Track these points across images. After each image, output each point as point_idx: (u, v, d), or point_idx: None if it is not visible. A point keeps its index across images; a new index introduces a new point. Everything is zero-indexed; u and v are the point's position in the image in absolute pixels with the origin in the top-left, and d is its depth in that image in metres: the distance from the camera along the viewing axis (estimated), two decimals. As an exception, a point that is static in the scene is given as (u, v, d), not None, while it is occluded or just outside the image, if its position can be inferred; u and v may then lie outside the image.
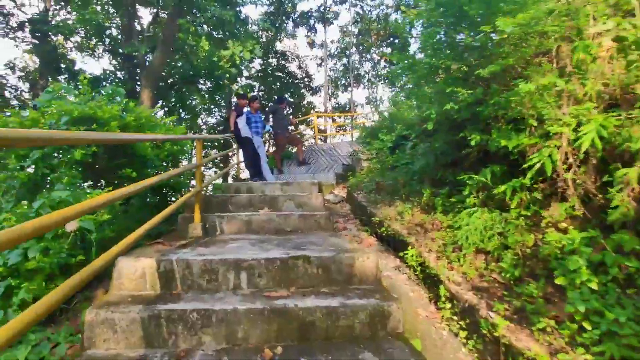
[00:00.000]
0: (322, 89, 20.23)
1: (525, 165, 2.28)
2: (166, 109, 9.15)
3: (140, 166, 3.91)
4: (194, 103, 16.58)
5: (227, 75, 8.93)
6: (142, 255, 2.69)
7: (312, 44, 20.66)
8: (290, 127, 8.48)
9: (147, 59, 8.25)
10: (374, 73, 23.91)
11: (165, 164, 4.54)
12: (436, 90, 3.13)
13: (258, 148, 6.95)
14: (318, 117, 12.34)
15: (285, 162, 8.55)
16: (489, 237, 2.37)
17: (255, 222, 4.06)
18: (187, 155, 5.44)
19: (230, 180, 9.71)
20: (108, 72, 10.23)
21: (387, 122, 5.42)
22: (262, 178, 6.68)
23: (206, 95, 10.33)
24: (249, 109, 7.25)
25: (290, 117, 8.73)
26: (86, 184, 4.04)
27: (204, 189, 4.35)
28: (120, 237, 2.14)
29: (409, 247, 2.94)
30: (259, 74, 20.93)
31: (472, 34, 2.75)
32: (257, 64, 22.19)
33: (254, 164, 6.64)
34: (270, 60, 21.29)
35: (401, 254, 3.14)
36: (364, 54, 21.26)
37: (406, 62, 3.29)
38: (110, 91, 4.54)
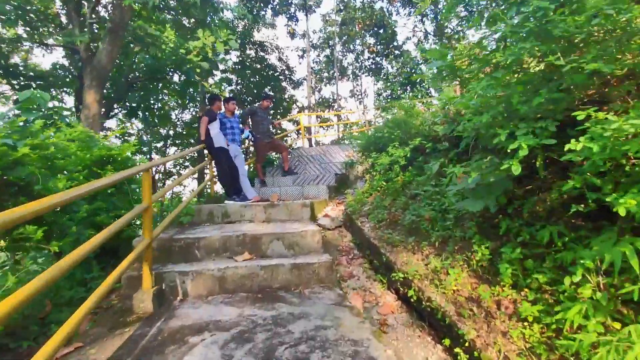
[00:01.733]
0: (305, 82, 19.00)
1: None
2: (123, 111, 7.78)
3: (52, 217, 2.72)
4: (165, 99, 15.08)
5: (198, 71, 7.67)
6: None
7: (293, 34, 19.32)
8: (273, 130, 7.33)
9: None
10: (357, 65, 22.87)
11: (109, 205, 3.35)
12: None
13: (235, 159, 5.80)
14: (305, 116, 11.21)
15: (268, 170, 7.42)
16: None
17: (231, 279, 2.97)
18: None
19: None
20: (58, 66, 8.73)
21: (391, 130, 4.38)
22: (242, 197, 5.54)
23: (175, 94, 9.00)
24: (223, 111, 6.07)
25: (273, 120, 7.53)
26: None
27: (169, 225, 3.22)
28: None
29: (466, 340, 1.93)
30: (236, 67, 19.49)
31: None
32: (233, 55, 20.73)
33: (231, 179, 5.49)
34: (248, 52, 19.87)
35: (447, 341, 2.14)
36: (347, 44, 20.11)
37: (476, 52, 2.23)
38: (29, 96, 3.30)
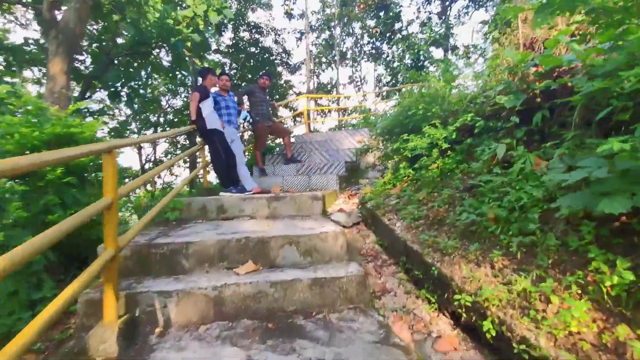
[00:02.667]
0: (304, 66, 18.02)
1: None
2: (103, 91, 6.84)
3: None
4: (154, 83, 14.02)
5: (188, 44, 6.77)
6: None
7: (290, 15, 18.24)
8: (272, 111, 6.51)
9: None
10: (357, 50, 21.89)
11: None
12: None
13: (232, 143, 4.97)
14: (309, 99, 10.31)
15: (267, 158, 6.60)
16: None
17: (230, 300, 2.19)
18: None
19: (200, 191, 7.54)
20: (31, 40, 7.72)
21: (427, 106, 3.57)
22: (240, 188, 4.73)
23: (163, 74, 8.03)
24: (217, 89, 5.20)
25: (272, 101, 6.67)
26: None
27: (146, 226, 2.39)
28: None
29: None
30: (230, 50, 18.41)
31: None
32: (226, 38, 19.60)
33: (227, 167, 4.67)
34: (242, 34, 18.77)
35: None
36: (346, 27, 19.09)
37: None
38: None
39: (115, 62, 6.66)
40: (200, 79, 4.91)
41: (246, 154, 6.39)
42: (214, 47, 11.30)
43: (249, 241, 2.61)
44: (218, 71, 8.05)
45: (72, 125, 2.63)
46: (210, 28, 7.01)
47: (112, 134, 7.90)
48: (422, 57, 11.93)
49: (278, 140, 7.19)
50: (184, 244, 2.55)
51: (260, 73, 6.10)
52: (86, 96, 6.47)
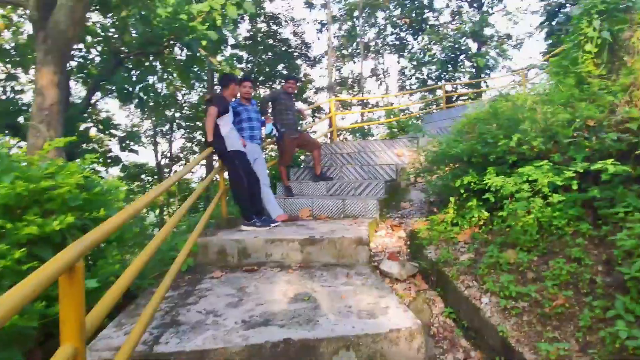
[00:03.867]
0: (324, 59, 17.05)
1: None
2: (114, 95, 6.16)
3: None
4: (169, 78, 13.34)
5: (204, 43, 5.99)
6: None
7: (311, 5, 17.22)
8: (302, 122, 5.68)
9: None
10: (380, 41, 20.71)
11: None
12: None
13: (255, 163, 4.21)
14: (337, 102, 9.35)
15: (292, 172, 5.80)
16: None
17: None
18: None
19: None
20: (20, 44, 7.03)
21: (518, 137, 2.66)
22: (264, 219, 3.95)
23: (176, 73, 7.28)
24: (237, 99, 4.42)
25: (300, 106, 5.81)
26: None
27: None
28: None
29: None
30: (246, 42, 17.58)
31: None
32: (243, 29, 18.77)
33: (250, 195, 3.89)
34: (259, 26, 17.90)
35: None
36: (370, 17, 17.94)
37: None
38: None
39: (124, 62, 5.96)
40: (219, 88, 4.12)
41: (271, 171, 5.63)
42: (231, 41, 10.49)
43: (290, 346, 1.83)
44: (236, 72, 7.26)
45: (44, 175, 1.89)
46: (228, 22, 6.21)
47: (123, 144, 7.24)
48: (458, 51, 10.75)
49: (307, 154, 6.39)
50: (199, 356, 1.78)
51: (285, 76, 5.27)
52: (92, 101, 5.80)
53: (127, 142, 7.01)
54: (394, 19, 15.84)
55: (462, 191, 3.18)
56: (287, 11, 17.33)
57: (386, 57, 20.76)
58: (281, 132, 4.87)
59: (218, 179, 4.14)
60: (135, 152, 8.13)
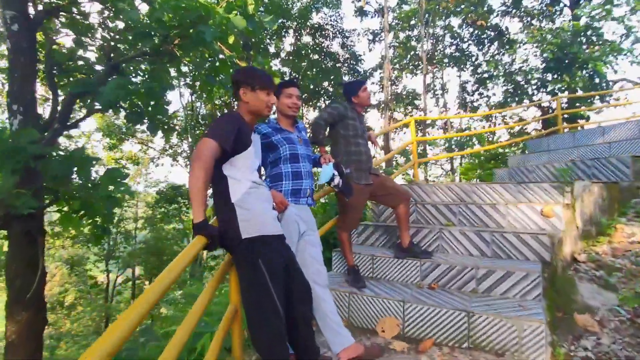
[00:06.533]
0: (376, 73, 14.95)
1: None
2: (109, 114, 4.33)
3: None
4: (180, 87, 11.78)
5: (231, 38, 4.11)
6: None
7: (363, 12, 15.33)
8: (374, 152, 3.50)
9: None
10: (438, 51, 18.36)
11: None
12: None
13: (302, 242, 2.11)
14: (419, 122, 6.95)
15: (353, 232, 3.60)
16: None
17: None
18: None
19: None
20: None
21: None
22: (314, 352, 1.77)
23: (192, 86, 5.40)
24: (274, 117, 2.38)
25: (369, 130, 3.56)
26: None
27: None
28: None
29: None
30: (289, 57, 16.01)
31: None
32: (286, 44, 17.27)
33: (287, 327, 1.75)
34: (304, 39, 16.31)
35: None
36: (430, 25, 15.71)
37: None
38: None
39: (119, 69, 4.21)
40: (233, 89, 2.02)
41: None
42: (271, 49, 8.69)
43: None
44: (274, 73, 5.22)
45: None
46: (263, 12, 4.35)
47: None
48: (564, 55, 8.10)
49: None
50: None
51: (353, 83, 3.16)
52: (68, 124, 4.06)
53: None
54: (467, 22, 13.33)
55: None
56: (335, 21, 15.53)
57: (443, 70, 18.24)
58: (346, 177, 2.67)
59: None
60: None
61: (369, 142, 3.24)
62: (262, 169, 2.27)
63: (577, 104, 8.83)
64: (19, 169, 3.23)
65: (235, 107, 2.15)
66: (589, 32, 8.10)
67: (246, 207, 1.64)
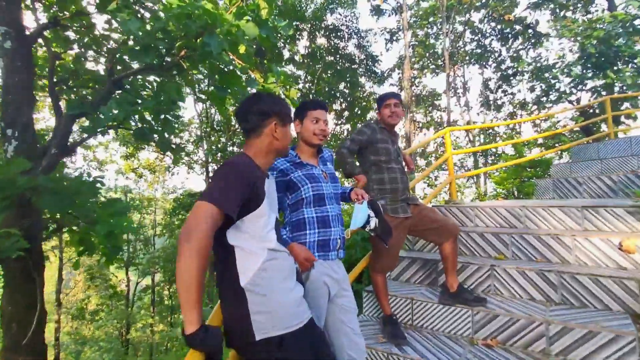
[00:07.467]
0: (400, 73, 14.32)
1: None
2: (109, 133, 4.02)
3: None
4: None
5: (243, 48, 3.70)
6: None
7: (379, 11, 14.75)
8: (411, 180, 3.01)
9: None
10: (459, 49, 17.60)
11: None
12: None
13: (343, 315, 1.65)
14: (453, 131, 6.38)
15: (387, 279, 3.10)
16: None
17: None
18: None
19: None
20: None
21: None
22: None
23: (204, 100, 5.05)
24: (292, 153, 1.89)
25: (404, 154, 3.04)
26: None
27: None
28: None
29: None
30: (304, 60, 15.57)
31: None
32: (301, 46, 16.84)
33: None
34: (319, 41, 15.84)
35: None
36: (447, 23, 14.99)
37: None
38: None
39: (120, 84, 3.85)
40: (246, 126, 1.54)
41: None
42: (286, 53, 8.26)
43: None
44: (293, 89, 4.78)
45: None
46: (277, 17, 3.91)
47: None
48: (607, 49, 7.29)
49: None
50: None
51: (382, 97, 2.67)
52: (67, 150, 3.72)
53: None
54: (492, 16, 12.50)
55: None
56: (351, 21, 14.99)
57: (464, 68, 17.46)
58: (382, 216, 2.16)
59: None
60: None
61: (404, 164, 2.75)
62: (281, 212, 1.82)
63: (618, 103, 8.06)
64: (9, 205, 2.88)
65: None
66: (635, 22, 7.30)
67: (261, 291, 1.18)
